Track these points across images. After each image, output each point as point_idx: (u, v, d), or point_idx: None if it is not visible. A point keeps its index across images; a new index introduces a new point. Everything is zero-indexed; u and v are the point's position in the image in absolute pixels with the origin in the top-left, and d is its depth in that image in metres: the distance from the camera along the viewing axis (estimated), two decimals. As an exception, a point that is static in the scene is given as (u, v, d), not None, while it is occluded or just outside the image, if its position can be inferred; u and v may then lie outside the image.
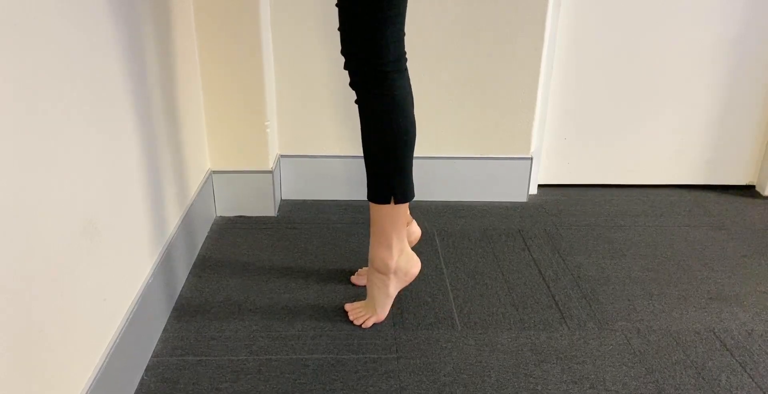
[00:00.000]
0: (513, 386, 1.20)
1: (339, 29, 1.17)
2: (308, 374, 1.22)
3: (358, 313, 1.37)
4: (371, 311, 1.36)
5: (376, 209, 1.29)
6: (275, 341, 1.31)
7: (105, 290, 1.07)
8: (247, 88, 1.70)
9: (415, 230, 1.48)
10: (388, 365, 1.25)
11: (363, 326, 1.35)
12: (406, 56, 1.21)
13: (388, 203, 1.27)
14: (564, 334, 1.35)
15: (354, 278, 1.51)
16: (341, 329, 1.35)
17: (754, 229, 1.82)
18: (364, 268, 1.54)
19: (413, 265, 1.34)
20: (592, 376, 1.22)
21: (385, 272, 1.33)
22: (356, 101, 1.22)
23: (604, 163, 2.05)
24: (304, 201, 1.95)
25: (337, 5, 1.16)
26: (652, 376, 1.23)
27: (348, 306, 1.40)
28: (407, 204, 1.29)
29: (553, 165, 2.05)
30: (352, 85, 1.21)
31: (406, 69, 1.21)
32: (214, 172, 1.79)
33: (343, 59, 1.20)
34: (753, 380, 1.22)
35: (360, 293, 1.47)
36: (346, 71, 1.21)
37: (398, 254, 1.32)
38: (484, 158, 1.92)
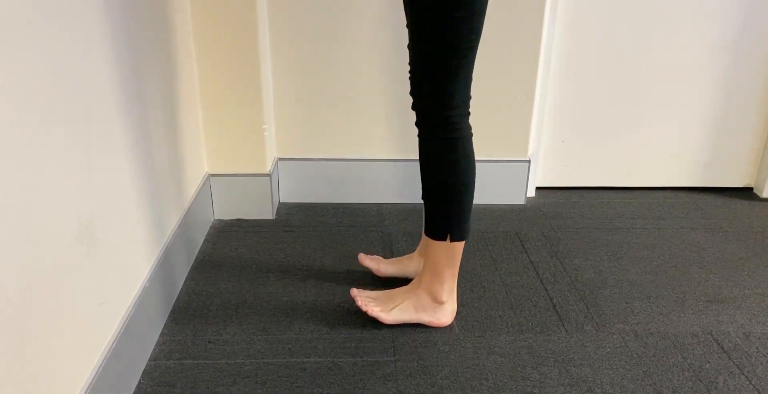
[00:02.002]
0: (510, 389, 1.20)
1: (410, 71, 1.20)
2: (306, 378, 1.22)
3: (366, 300, 1.36)
4: (381, 306, 1.35)
5: (432, 245, 1.31)
6: (273, 345, 1.31)
7: (102, 294, 1.07)
8: (245, 91, 1.70)
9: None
10: (385, 368, 1.24)
11: (369, 312, 1.34)
12: (471, 98, 1.23)
13: (444, 240, 1.29)
14: (562, 337, 1.35)
15: (362, 256, 1.51)
16: (339, 333, 1.35)
17: (751, 231, 1.82)
18: (377, 255, 1.53)
19: (450, 315, 1.37)
20: (590, 379, 1.22)
21: (432, 301, 1.34)
22: (419, 136, 1.25)
23: (602, 166, 2.06)
24: (302, 204, 1.95)
25: (409, 48, 1.18)
26: (650, 378, 1.23)
27: (356, 292, 1.38)
28: (464, 242, 1.31)
29: (550, 168, 2.05)
30: (417, 124, 1.24)
31: (469, 114, 1.23)
32: (212, 175, 1.79)
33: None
34: (750, 383, 1.22)
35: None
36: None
37: (450, 291, 1.34)
38: (481, 161, 1.92)
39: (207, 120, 1.73)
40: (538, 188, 2.07)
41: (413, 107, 1.23)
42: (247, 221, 1.83)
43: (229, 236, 1.74)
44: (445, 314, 1.36)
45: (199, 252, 1.66)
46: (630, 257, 1.67)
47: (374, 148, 1.90)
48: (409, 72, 1.21)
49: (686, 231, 1.82)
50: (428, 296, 1.34)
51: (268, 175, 1.80)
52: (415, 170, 1.91)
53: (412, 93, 1.22)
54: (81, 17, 0.99)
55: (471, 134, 1.24)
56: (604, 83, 1.94)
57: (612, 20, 1.86)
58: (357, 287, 1.49)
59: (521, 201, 1.97)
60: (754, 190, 2.10)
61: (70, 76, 0.95)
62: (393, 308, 1.34)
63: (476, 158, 1.91)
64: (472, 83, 1.81)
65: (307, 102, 1.85)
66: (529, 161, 1.93)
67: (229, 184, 1.80)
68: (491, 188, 1.95)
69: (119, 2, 1.14)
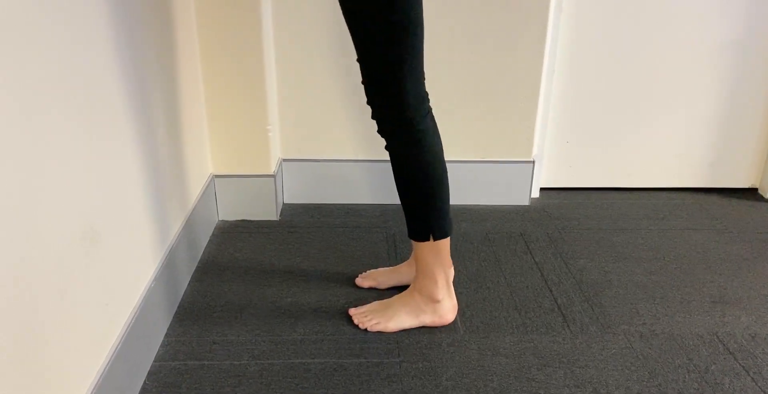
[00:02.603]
0: (515, 390, 1.19)
1: (362, 82, 1.20)
2: (310, 379, 1.21)
3: (365, 316, 1.36)
4: (379, 318, 1.35)
5: (418, 246, 1.32)
6: (277, 346, 1.30)
7: (107, 295, 1.07)
8: (249, 92, 1.70)
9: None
10: (390, 369, 1.24)
11: (369, 329, 1.34)
12: (428, 97, 1.23)
13: (428, 240, 1.29)
14: (567, 338, 1.34)
15: (359, 280, 1.51)
16: (343, 333, 1.34)
17: (757, 232, 1.82)
18: (370, 270, 1.54)
19: (451, 312, 1.37)
20: (595, 380, 1.22)
21: (429, 302, 1.34)
22: (386, 147, 1.25)
23: (607, 167, 2.05)
24: (306, 205, 1.95)
25: (358, 61, 1.18)
26: (655, 380, 1.23)
27: (353, 311, 1.39)
28: (448, 239, 1.31)
29: (555, 168, 2.05)
30: (379, 132, 1.24)
31: (429, 111, 1.23)
32: (216, 176, 1.80)
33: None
34: (756, 384, 1.22)
35: (363, 296, 1.47)
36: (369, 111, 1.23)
37: (444, 288, 1.34)
38: (486, 162, 1.92)
39: (211, 121, 1.73)
40: (542, 189, 2.07)
41: (372, 117, 1.23)
42: (252, 221, 1.83)
43: (233, 237, 1.75)
44: (445, 311, 1.36)
45: (203, 253, 1.66)
46: (635, 257, 1.67)
47: (378, 149, 1.90)
48: (362, 83, 1.21)
49: (691, 232, 1.82)
50: (424, 297, 1.34)
51: (273, 176, 1.80)
52: (420, 171, 1.91)
53: (368, 103, 1.22)
54: (85, 18, 0.99)
55: (435, 132, 1.24)
56: (609, 84, 1.94)
57: (616, 21, 1.86)
58: (358, 296, 1.49)
59: (525, 202, 1.97)
60: (759, 191, 2.09)
61: (75, 78, 0.95)
62: (391, 317, 1.35)
63: (481, 159, 1.91)
64: (478, 84, 1.82)
65: (311, 103, 1.85)
66: (533, 162, 1.92)
67: (234, 185, 1.80)
68: (495, 189, 1.95)
69: (122, 4, 1.14)
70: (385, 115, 1.21)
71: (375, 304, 1.39)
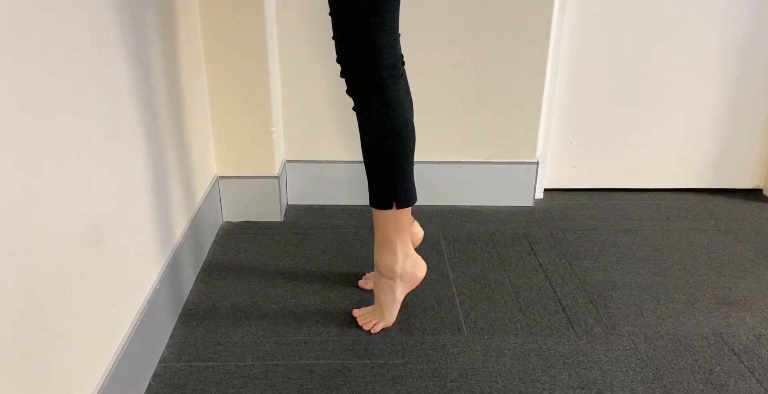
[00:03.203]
0: (520, 391, 1.19)
1: (333, 38, 1.17)
2: (315, 380, 1.22)
3: (366, 318, 1.37)
4: (379, 316, 1.36)
5: (379, 215, 1.28)
6: (282, 347, 1.31)
7: (112, 296, 1.07)
8: (253, 93, 1.70)
9: (418, 232, 1.48)
10: (394, 371, 1.24)
11: (372, 331, 1.35)
12: (404, 59, 1.20)
13: (390, 208, 1.26)
14: (571, 339, 1.34)
15: (361, 282, 1.51)
16: (348, 335, 1.35)
17: (761, 233, 1.82)
18: (371, 272, 1.54)
19: (419, 268, 1.34)
20: (600, 381, 1.22)
21: (391, 276, 1.32)
22: (354, 108, 1.22)
23: (610, 167, 2.05)
24: (310, 206, 1.95)
25: (330, 14, 1.15)
26: (660, 381, 1.22)
27: (356, 312, 1.40)
28: (409, 208, 1.29)
29: (558, 169, 2.05)
30: (348, 92, 1.20)
31: (403, 73, 1.20)
32: (221, 177, 1.80)
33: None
34: (761, 385, 1.21)
35: (367, 298, 1.47)
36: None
37: (403, 258, 1.32)
38: (490, 163, 1.92)
39: (216, 122, 1.74)
40: (546, 190, 2.07)
41: (341, 75, 1.18)
42: (256, 223, 1.84)
43: (237, 238, 1.75)
44: (410, 272, 1.32)
45: (208, 254, 1.66)
46: (639, 258, 1.67)
47: (382, 150, 1.90)
48: (332, 38, 1.16)
49: (695, 233, 1.81)
50: (387, 273, 1.32)
51: (277, 177, 1.80)
52: (422, 172, 1.91)
53: (338, 60, 1.17)
54: (91, 22, 0.99)
55: (408, 96, 1.21)
56: (612, 84, 1.94)
57: (619, 22, 1.86)
58: (362, 298, 1.49)
59: (529, 203, 1.97)
60: (764, 192, 2.09)
61: (80, 81, 0.96)
62: (384, 310, 1.35)
63: (485, 160, 1.91)
64: (482, 85, 1.82)
65: (315, 104, 1.85)
66: (537, 163, 1.92)
67: (238, 187, 1.81)
68: (499, 190, 1.95)
69: (128, 7, 1.14)
70: (357, 73, 1.16)
71: (372, 306, 1.40)
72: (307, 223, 1.84)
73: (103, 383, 1.01)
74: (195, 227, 1.55)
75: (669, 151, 2.03)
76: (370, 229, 1.81)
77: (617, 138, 2.01)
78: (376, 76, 1.16)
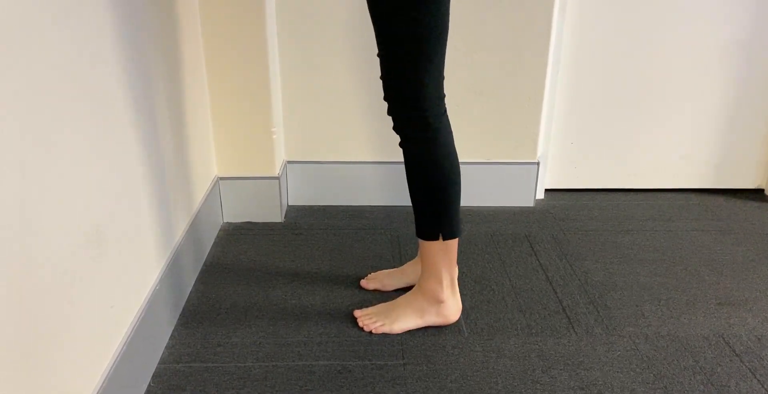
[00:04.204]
0: (520, 392, 1.19)
1: (381, 77, 1.21)
2: (315, 381, 1.21)
3: (369, 319, 1.36)
4: (384, 320, 1.35)
5: (426, 246, 1.31)
6: (282, 348, 1.31)
7: (112, 297, 1.07)
8: (254, 94, 1.70)
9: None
10: (394, 372, 1.24)
11: (373, 331, 1.34)
12: (445, 95, 1.23)
13: (437, 239, 1.29)
14: (572, 340, 1.34)
15: (364, 282, 1.51)
16: (348, 336, 1.34)
17: (762, 233, 1.81)
18: (374, 272, 1.54)
19: (455, 312, 1.36)
20: (600, 382, 1.22)
21: (433, 302, 1.34)
22: (400, 144, 1.26)
23: (611, 168, 2.05)
24: (311, 207, 1.95)
25: (378, 55, 1.18)
26: (661, 382, 1.22)
27: (358, 312, 1.39)
28: (456, 239, 1.31)
29: (559, 170, 2.05)
30: (395, 129, 1.24)
31: (445, 111, 1.24)
32: (221, 178, 1.80)
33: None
34: (763, 386, 1.21)
35: (368, 298, 1.47)
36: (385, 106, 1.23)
37: (449, 289, 1.34)
38: (490, 163, 1.91)
39: (216, 123, 1.74)
40: (547, 190, 2.07)
41: (389, 113, 1.23)
42: (256, 223, 1.84)
43: (238, 239, 1.75)
44: (450, 311, 1.35)
45: (208, 255, 1.66)
46: (640, 259, 1.66)
47: (383, 150, 1.90)
48: (380, 78, 1.21)
49: (696, 233, 1.81)
50: (429, 297, 1.34)
51: (277, 178, 1.80)
52: (424, 173, 1.91)
53: (385, 98, 1.22)
54: (91, 23, 0.99)
55: (450, 132, 1.25)
56: (613, 84, 1.93)
57: (620, 21, 1.85)
58: (362, 298, 1.49)
59: (530, 203, 1.97)
60: (765, 192, 2.08)
61: (80, 82, 0.96)
62: (396, 318, 1.35)
63: (485, 161, 1.91)
64: (483, 85, 1.82)
65: (315, 105, 1.85)
66: (538, 163, 1.92)
67: (238, 187, 1.81)
68: (500, 190, 1.94)
69: (128, 8, 1.14)
70: (402, 112, 1.21)
71: (380, 306, 1.39)
72: (308, 224, 1.84)
73: (103, 384, 1.01)
74: (195, 227, 1.55)
75: (670, 152, 2.03)
76: (371, 230, 1.81)
77: (618, 138, 2.00)
78: (421, 115, 1.20)
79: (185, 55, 1.50)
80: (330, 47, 1.78)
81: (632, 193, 2.07)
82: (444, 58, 1.18)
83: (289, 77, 1.81)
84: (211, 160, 1.75)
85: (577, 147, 2.01)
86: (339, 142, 1.89)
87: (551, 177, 2.05)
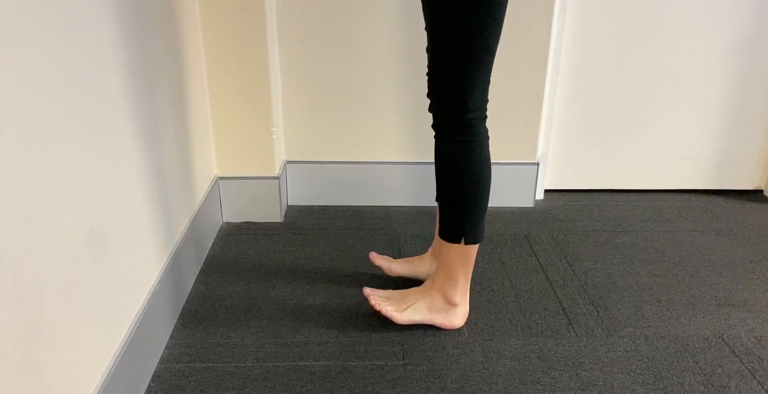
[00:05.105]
0: (520, 393, 1.19)
1: (427, 74, 1.20)
2: (315, 381, 1.21)
3: (379, 299, 1.34)
4: (395, 306, 1.34)
5: (447, 247, 1.30)
6: (282, 348, 1.30)
7: (112, 298, 1.07)
8: (254, 94, 1.70)
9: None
10: (394, 372, 1.24)
11: (382, 312, 1.32)
12: (488, 100, 1.22)
13: (459, 242, 1.28)
14: (572, 340, 1.34)
15: (373, 254, 1.48)
16: (348, 336, 1.34)
17: (762, 234, 1.81)
18: (401, 259, 1.52)
19: (462, 318, 1.36)
20: (600, 383, 1.22)
21: (446, 304, 1.34)
22: (436, 141, 1.24)
23: (611, 168, 2.05)
24: (311, 207, 1.95)
25: (427, 51, 1.17)
26: (661, 383, 1.22)
27: (369, 290, 1.36)
28: (477, 245, 1.30)
29: (559, 170, 2.05)
30: (434, 127, 1.23)
31: (487, 116, 1.23)
32: (221, 178, 1.80)
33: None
34: (762, 387, 1.21)
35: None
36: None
37: (463, 293, 1.34)
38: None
39: (216, 123, 1.74)
40: (546, 191, 2.07)
41: (430, 109, 1.22)
42: (256, 223, 1.83)
43: (237, 239, 1.75)
44: (457, 316, 1.35)
45: (207, 255, 1.66)
46: (640, 260, 1.66)
47: (382, 150, 1.90)
48: (427, 75, 1.20)
49: (696, 234, 1.81)
50: (441, 297, 1.34)
51: (277, 178, 1.80)
52: (424, 173, 1.91)
53: (429, 96, 1.21)
54: (92, 23, 0.99)
55: (488, 137, 1.24)
56: (614, 85, 1.93)
57: (620, 22, 1.85)
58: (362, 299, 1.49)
59: (530, 204, 1.97)
60: (765, 193, 2.08)
61: (81, 83, 0.96)
62: (406, 307, 1.34)
63: (485, 161, 1.91)
64: (481, 86, 1.82)
65: (315, 105, 1.85)
66: (537, 164, 1.92)
67: (238, 187, 1.80)
68: (500, 191, 1.94)
69: (129, 9, 1.14)
70: (445, 111, 1.20)
71: (393, 291, 1.38)
72: (308, 224, 1.84)
73: (103, 384, 1.01)
74: (195, 227, 1.55)
75: (670, 153, 2.03)
76: (371, 230, 1.81)
77: (618, 139, 2.00)
78: (465, 118, 1.19)
79: (185, 55, 1.50)
80: (330, 47, 1.77)
81: (632, 193, 2.08)
82: (492, 65, 1.17)
83: (289, 77, 1.81)
84: (210, 160, 1.75)
85: (577, 148, 2.01)
86: (339, 142, 1.89)
87: (551, 178, 2.05)
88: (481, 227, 1.28)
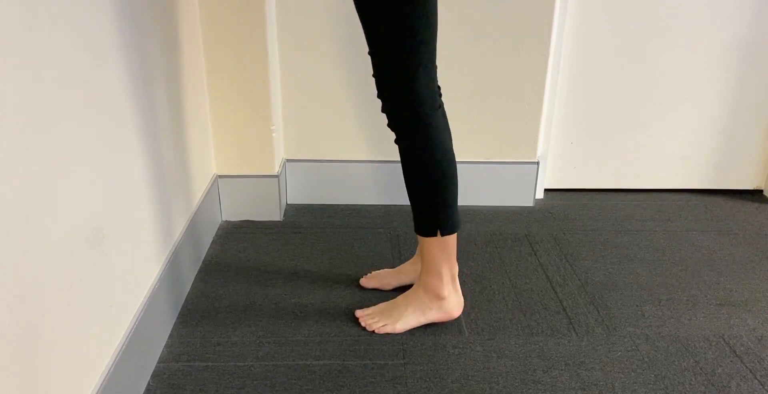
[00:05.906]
0: (521, 392, 1.19)
1: (373, 75, 1.20)
2: (315, 380, 1.21)
3: (372, 319, 1.36)
4: (386, 320, 1.35)
5: (425, 242, 1.30)
6: (281, 347, 1.30)
7: (111, 297, 1.06)
8: (253, 92, 1.70)
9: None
10: (395, 371, 1.24)
11: (376, 331, 1.34)
12: (440, 90, 1.22)
13: (435, 235, 1.28)
14: (572, 340, 1.34)
15: (363, 281, 1.51)
16: (348, 335, 1.34)
17: (762, 234, 1.81)
18: (375, 271, 1.53)
19: (458, 307, 1.36)
20: (601, 382, 1.22)
21: (433, 299, 1.34)
22: (395, 141, 1.25)
23: (611, 168, 2.05)
24: (310, 205, 1.95)
25: (369, 54, 1.18)
26: (662, 382, 1.22)
27: (359, 312, 1.39)
28: (455, 234, 1.30)
29: (559, 169, 2.04)
30: (390, 126, 1.23)
31: (440, 105, 1.23)
32: (220, 176, 1.79)
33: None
34: (763, 387, 1.21)
35: (368, 297, 1.46)
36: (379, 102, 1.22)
37: (450, 285, 1.33)
38: (490, 163, 1.91)
39: (215, 121, 1.73)
40: (546, 190, 2.07)
41: (382, 110, 1.23)
42: (255, 222, 1.83)
43: (236, 238, 1.74)
44: (451, 307, 1.35)
45: (207, 254, 1.65)
46: (640, 259, 1.66)
47: (382, 149, 1.90)
48: (372, 76, 1.21)
49: (696, 234, 1.81)
50: (429, 294, 1.34)
51: (276, 176, 1.80)
52: (424, 172, 1.90)
53: (378, 96, 1.22)
54: (91, 22, 0.98)
55: (446, 127, 1.24)
56: (613, 84, 1.93)
57: (621, 21, 1.85)
58: (362, 297, 1.49)
59: (530, 203, 1.96)
60: (765, 193, 2.08)
61: (80, 82, 0.95)
62: (399, 317, 1.34)
63: (485, 160, 1.91)
64: (483, 85, 1.81)
65: (314, 103, 1.84)
66: (537, 163, 1.92)
67: (237, 186, 1.80)
68: (500, 190, 1.94)
69: (128, 7, 1.14)
70: (396, 109, 1.20)
71: (381, 306, 1.39)
72: (307, 222, 1.84)
73: (102, 383, 1.01)
74: (194, 226, 1.54)
75: (670, 152, 2.03)
76: (371, 228, 1.80)
77: (618, 138, 2.00)
78: (415, 110, 1.19)
79: (185, 54, 1.49)
80: (329, 46, 1.77)
81: (632, 193, 2.07)
82: (435, 51, 1.17)
83: (288, 75, 1.81)
84: (210, 158, 1.74)
85: (577, 147, 2.01)
86: (338, 140, 1.89)
87: (551, 177, 2.05)
88: (455, 216, 1.29)
